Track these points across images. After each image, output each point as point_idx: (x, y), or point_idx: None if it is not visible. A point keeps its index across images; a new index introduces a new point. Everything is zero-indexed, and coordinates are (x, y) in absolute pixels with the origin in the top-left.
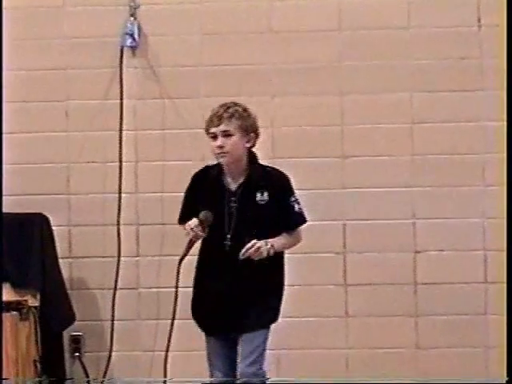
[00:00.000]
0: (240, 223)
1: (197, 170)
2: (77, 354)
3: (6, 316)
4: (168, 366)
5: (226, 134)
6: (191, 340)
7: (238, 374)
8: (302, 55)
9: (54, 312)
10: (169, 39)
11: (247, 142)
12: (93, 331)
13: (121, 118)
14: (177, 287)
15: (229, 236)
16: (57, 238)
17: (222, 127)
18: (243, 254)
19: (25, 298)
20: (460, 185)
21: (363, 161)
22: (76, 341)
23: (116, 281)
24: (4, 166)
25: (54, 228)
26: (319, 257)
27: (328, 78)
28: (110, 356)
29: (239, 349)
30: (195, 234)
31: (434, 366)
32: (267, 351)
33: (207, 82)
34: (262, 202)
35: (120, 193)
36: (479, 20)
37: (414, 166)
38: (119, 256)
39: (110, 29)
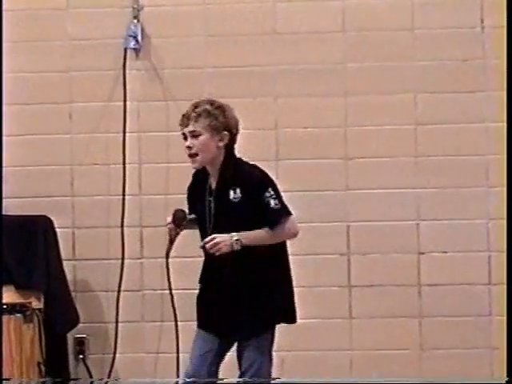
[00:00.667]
0: (217, 222)
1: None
2: (81, 356)
3: (10, 318)
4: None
5: (194, 135)
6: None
7: None
8: (305, 57)
9: (58, 314)
10: (172, 41)
11: (220, 140)
12: (97, 333)
13: (124, 120)
14: (169, 280)
15: (208, 234)
16: (61, 240)
17: (190, 127)
18: (201, 248)
19: (29, 300)
20: (464, 186)
21: (367, 162)
22: (80, 343)
23: (120, 283)
24: (8, 169)
25: (58, 230)
26: (323, 258)
27: (332, 79)
28: (114, 358)
29: (239, 356)
30: (169, 230)
31: (438, 368)
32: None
33: (211, 84)
34: (236, 200)
35: (124, 195)
36: (482, 21)
37: (417, 167)
38: (123, 258)
39: (114, 31)
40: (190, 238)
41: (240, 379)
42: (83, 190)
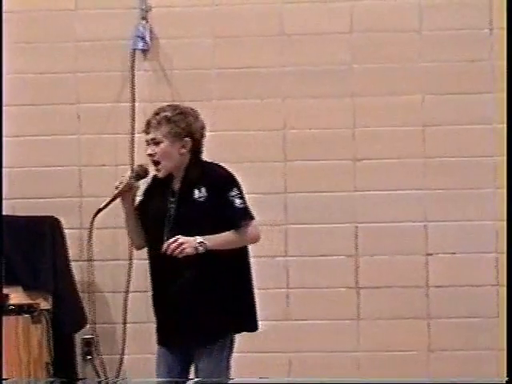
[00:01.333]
0: (178, 223)
1: None
2: (89, 356)
3: (17, 319)
4: None
5: (155, 142)
6: None
7: None
8: (313, 58)
9: (66, 315)
10: (180, 42)
11: (182, 147)
12: (105, 334)
13: (132, 121)
14: (90, 238)
15: (165, 238)
16: (69, 241)
17: (151, 135)
18: (164, 250)
19: (37, 301)
20: (472, 187)
21: (375, 163)
22: (88, 343)
23: (128, 284)
24: (16, 169)
25: (65, 231)
26: (331, 259)
27: (339, 80)
28: (121, 359)
29: (196, 365)
30: (122, 185)
31: (446, 369)
32: (277, 354)
33: (219, 85)
34: (201, 199)
35: None
36: (490, 23)
37: (425, 168)
38: (131, 259)
39: (122, 32)
40: None
41: (250, 379)
42: (91, 191)
